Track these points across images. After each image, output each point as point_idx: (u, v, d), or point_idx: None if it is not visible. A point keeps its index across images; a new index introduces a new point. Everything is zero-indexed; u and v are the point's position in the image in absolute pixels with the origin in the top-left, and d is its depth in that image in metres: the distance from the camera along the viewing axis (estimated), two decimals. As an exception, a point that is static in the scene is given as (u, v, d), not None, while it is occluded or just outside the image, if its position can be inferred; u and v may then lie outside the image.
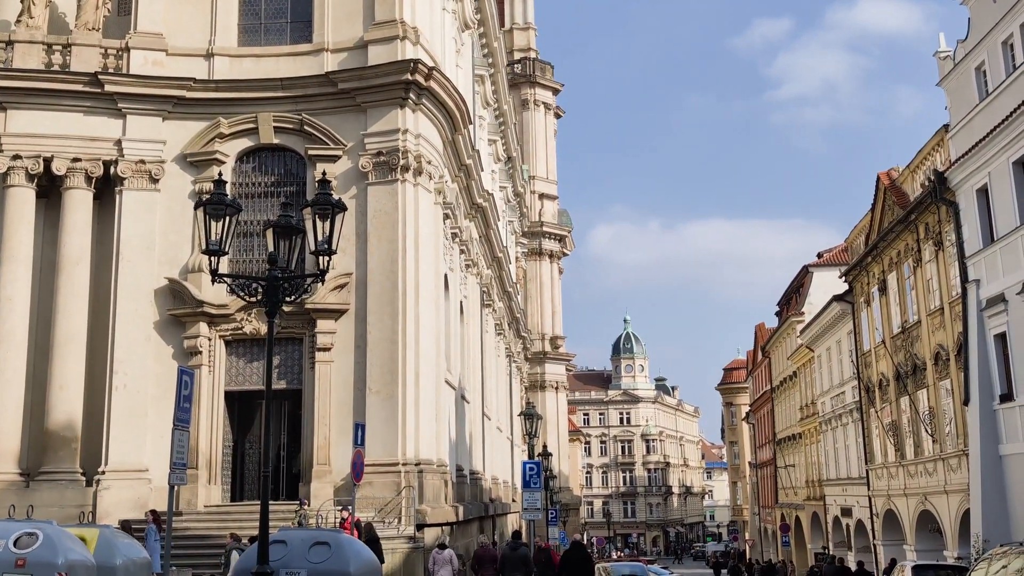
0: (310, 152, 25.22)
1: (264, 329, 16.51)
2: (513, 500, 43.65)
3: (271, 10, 26.80)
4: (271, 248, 12.66)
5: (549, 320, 64.80)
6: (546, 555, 22.12)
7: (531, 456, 33.71)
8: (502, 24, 55.39)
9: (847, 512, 40.45)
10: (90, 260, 24.99)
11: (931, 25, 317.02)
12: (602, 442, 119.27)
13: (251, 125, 25.47)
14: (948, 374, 26.74)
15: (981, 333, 23.71)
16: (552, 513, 40.49)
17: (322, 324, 24.27)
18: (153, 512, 19.87)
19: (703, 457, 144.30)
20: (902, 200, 30.24)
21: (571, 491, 66.67)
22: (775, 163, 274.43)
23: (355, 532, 18.59)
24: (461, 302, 31.61)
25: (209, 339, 24.62)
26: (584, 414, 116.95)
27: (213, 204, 12.63)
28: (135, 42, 25.71)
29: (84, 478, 23.79)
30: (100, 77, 25.05)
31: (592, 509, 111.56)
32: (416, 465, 23.27)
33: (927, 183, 27.06)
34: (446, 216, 27.99)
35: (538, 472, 29.49)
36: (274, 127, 25.42)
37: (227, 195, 12.97)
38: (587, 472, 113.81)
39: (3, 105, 24.89)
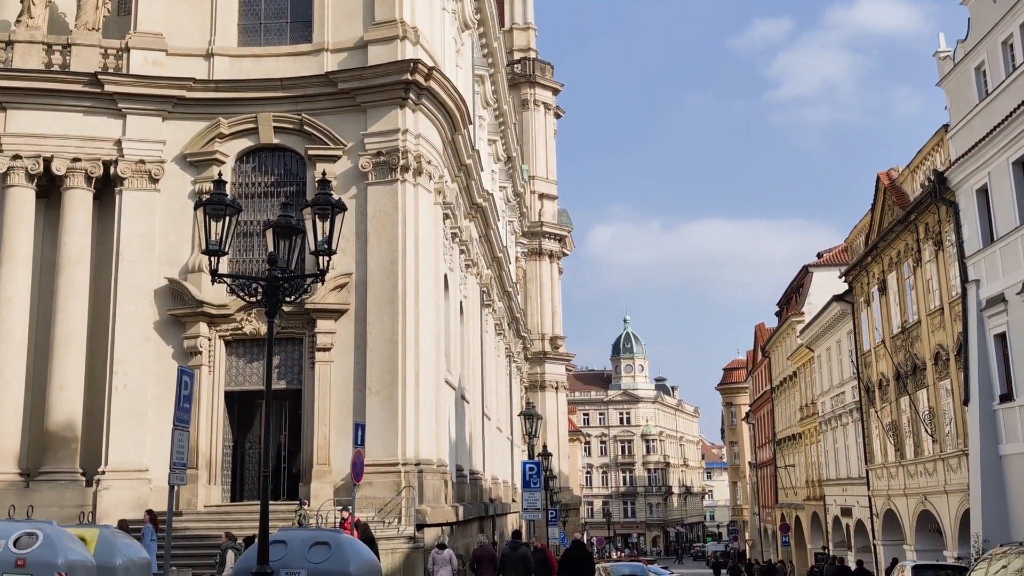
0: (310, 152, 25.22)
1: (264, 329, 16.52)
2: (513, 500, 43.65)
3: (271, 10, 26.79)
4: (271, 248, 12.66)
5: (549, 320, 64.80)
6: (541, 555, 22.09)
7: (531, 456, 33.74)
8: (502, 24, 55.39)
9: (847, 512, 40.46)
10: (90, 260, 24.99)
11: (930, 25, 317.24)
12: (602, 442, 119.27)
13: (251, 125, 25.47)
14: (948, 374, 26.74)
15: (981, 333, 23.71)
16: (552, 513, 40.48)
17: (322, 324, 24.27)
18: (150, 512, 19.88)
19: (703, 457, 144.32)
20: (902, 200, 30.25)
21: (571, 491, 66.66)
22: (775, 163, 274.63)
23: (355, 532, 18.59)
24: (461, 302, 31.61)
25: (209, 339, 24.62)
26: (584, 414, 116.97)
27: (213, 204, 12.63)
28: (135, 42, 25.71)
29: (84, 478, 23.79)
30: (100, 77, 25.05)
31: (592, 509, 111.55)
32: (416, 465, 23.27)
33: (927, 183, 27.06)
34: (446, 216, 27.99)
35: (538, 472, 29.51)
36: (274, 127, 25.42)
37: (227, 195, 12.97)
38: (587, 472, 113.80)
39: (3, 105, 24.89)
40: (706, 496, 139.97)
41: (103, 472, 23.56)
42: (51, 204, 25.34)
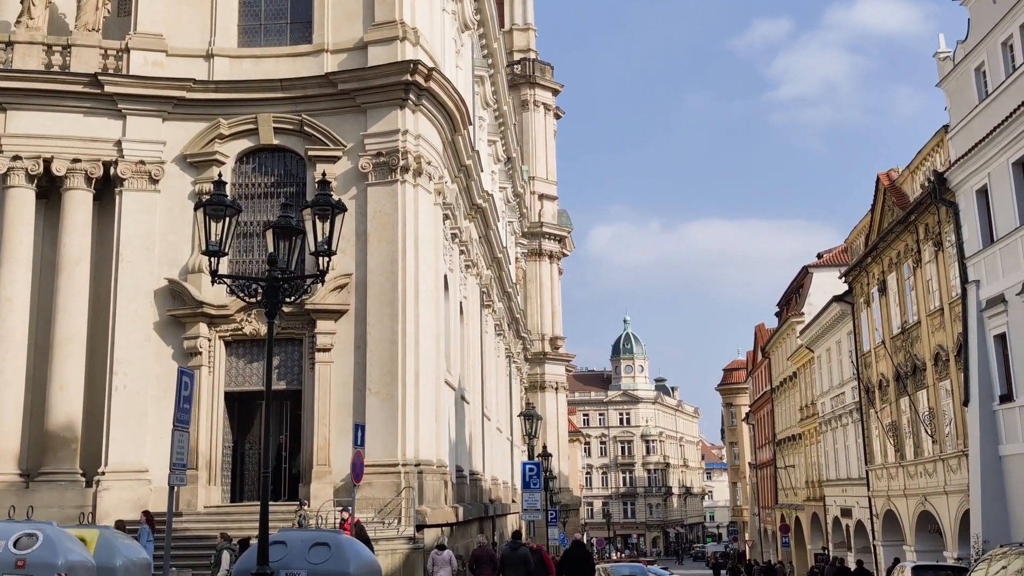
0: (310, 153, 25.23)
1: (264, 330, 16.53)
2: (513, 501, 43.65)
3: (271, 11, 26.80)
4: (271, 249, 12.67)
5: (549, 321, 64.80)
6: (538, 556, 22.08)
7: (531, 457, 33.78)
8: (502, 25, 55.40)
9: (847, 513, 40.46)
10: (90, 261, 24.99)
11: (930, 25, 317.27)
12: (602, 443, 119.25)
13: (251, 126, 25.47)
14: (948, 375, 26.74)
15: (981, 334, 23.71)
16: (552, 514, 40.48)
17: (322, 325, 24.27)
18: (146, 513, 19.88)
19: (703, 458, 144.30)
20: (902, 201, 30.26)
21: (571, 492, 66.65)
22: (775, 163, 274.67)
23: (353, 532, 18.60)
24: (461, 303, 31.61)
25: (209, 340, 24.62)
26: (584, 415, 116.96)
27: (213, 205, 12.64)
28: (135, 43, 25.71)
29: (84, 479, 23.78)
30: (100, 78, 25.05)
31: (592, 510, 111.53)
32: (416, 466, 23.27)
33: (927, 184, 27.07)
34: (446, 217, 27.99)
35: (538, 473, 29.55)
36: (274, 128, 25.43)
37: (227, 196, 12.98)
38: (587, 473, 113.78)
39: (3, 106, 24.88)
40: (706, 497, 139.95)
41: (103, 473, 23.55)
42: (51, 205, 25.34)
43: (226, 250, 12.83)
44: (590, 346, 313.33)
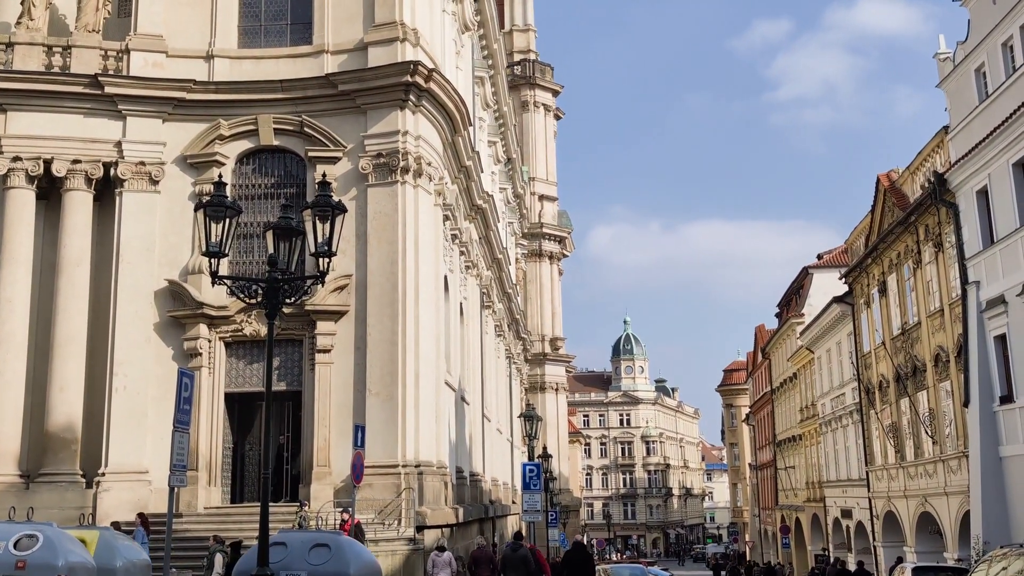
0: (310, 154, 25.23)
1: (264, 331, 16.52)
2: (513, 502, 43.63)
3: (271, 12, 26.80)
4: (271, 250, 12.67)
5: (549, 321, 64.78)
6: (532, 555, 22.07)
7: (531, 458, 33.75)
8: (502, 26, 55.39)
9: (847, 514, 40.45)
10: (90, 262, 24.99)
11: (930, 26, 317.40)
12: (602, 444, 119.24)
13: (251, 127, 25.47)
14: (948, 376, 26.74)
15: (981, 335, 23.71)
16: (552, 515, 40.49)
17: (322, 326, 24.27)
18: (141, 515, 19.94)
19: (703, 459, 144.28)
20: (902, 202, 30.27)
21: (571, 493, 66.62)
22: (775, 164, 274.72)
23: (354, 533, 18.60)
24: (461, 303, 31.61)
25: (209, 341, 24.62)
26: (584, 416, 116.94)
27: (213, 206, 12.64)
28: (135, 44, 25.71)
29: (84, 480, 23.79)
30: (100, 79, 25.06)
31: (592, 511, 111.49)
32: (416, 467, 23.26)
33: (927, 185, 27.07)
34: (446, 218, 27.99)
35: (538, 474, 29.53)
36: (274, 129, 25.43)
37: (227, 197, 12.97)
38: (587, 474, 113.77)
39: (3, 107, 24.89)
40: (706, 498, 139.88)
41: (103, 474, 23.55)
42: (51, 206, 25.35)
43: (226, 251, 12.83)
44: (590, 347, 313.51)
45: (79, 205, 25.04)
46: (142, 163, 25.16)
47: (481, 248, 36.53)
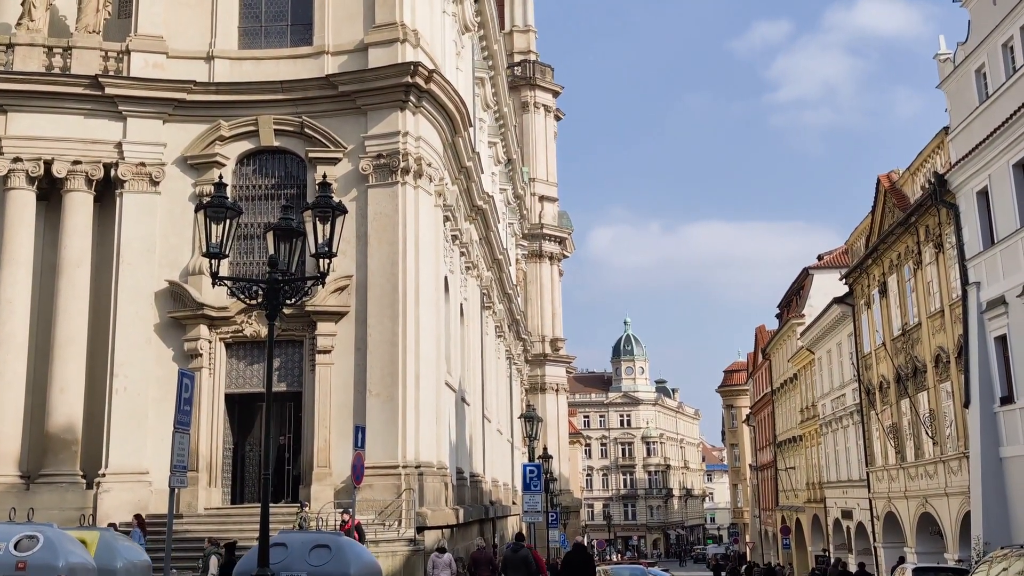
0: (310, 154, 25.23)
1: (264, 331, 16.51)
2: (513, 503, 43.62)
3: (271, 13, 26.82)
4: (271, 251, 12.67)
5: (549, 322, 64.77)
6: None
7: (531, 458, 33.73)
8: (502, 26, 55.39)
9: (848, 514, 40.44)
10: (90, 262, 25.00)
11: (930, 27, 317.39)
12: (602, 444, 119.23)
13: (251, 128, 25.48)
14: (948, 376, 26.73)
15: (981, 335, 23.71)
16: (552, 515, 40.47)
17: (322, 326, 24.28)
18: (138, 516, 19.95)
19: (703, 459, 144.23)
20: (902, 202, 30.27)
21: (571, 494, 66.59)
22: (775, 165, 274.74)
23: (355, 535, 18.60)
24: (461, 304, 31.61)
25: (209, 341, 24.63)
26: (584, 416, 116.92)
27: (214, 207, 12.63)
28: (135, 45, 25.73)
29: (84, 481, 23.80)
30: (101, 80, 25.07)
31: (592, 512, 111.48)
32: (416, 467, 23.26)
33: (927, 185, 27.07)
34: (446, 218, 28.00)
35: (538, 474, 29.52)
36: (274, 129, 25.44)
37: (227, 198, 12.96)
38: (587, 474, 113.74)
39: (4, 108, 24.91)
40: (707, 499, 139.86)
41: (103, 475, 23.56)
42: (52, 207, 25.36)
43: (227, 252, 12.83)
44: (590, 348, 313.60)
45: (79, 206, 25.05)
46: (142, 164, 25.17)
47: (481, 249, 36.53)
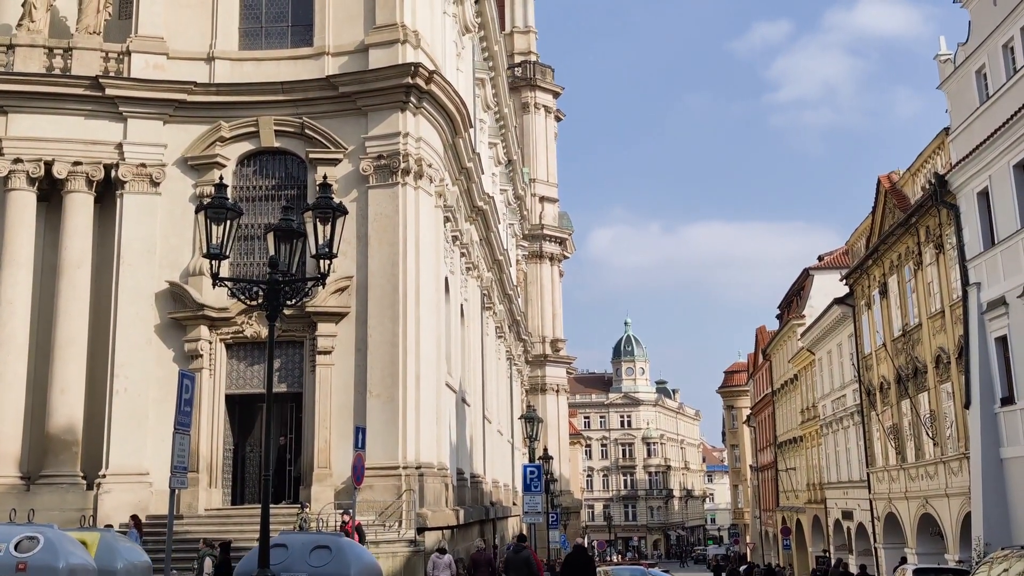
0: (311, 155, 25.24)
1: (265, 332, 16.55)
2: (514, 503, 43.62)
3: (272, 14, 26.82)
4: (272, 252, 12.68)
5: (550, 323, 64.77)
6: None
7: (532, 459, 33.72)
8: (502, 27, 55.38)
9: (848, 515, 40.43)
10: (91, 263, 25.00)
11: (930, 27, 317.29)
12: (603, 445, 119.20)
13: (252, 128, 25.49)
14: (949, 377, 26.73)
15: (982, 336, 23.71)
16: (553, 516, 40.47)
17: (323, 327, 24.28)
18: (135, 517, 19.95)
19: (704, 460, 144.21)
20: (903, 203, 30.27)
21: (572, 494, 66.58)
22: (775, 166, 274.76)
23: (356, 535, 18.60)
24: (462, 305, 31.61)
25: (210, 342, 24.62)
26: (585, 417, 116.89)
27: (214, 208, 12.64)
28: (136, 46, 25.73)
29: (85, 481, 23.79)
30: (101, 81, 25.07)
31: (593, 512, 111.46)
32: (417, 468, 23.26)
33: (928, 186, 27.07)
34: (447, 219, 27.99)
35: (539, 475, 29.50)
36: (275, 130, 25.45)
37: (228, 199, 12.96)
38: (588, 475, 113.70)
39: (4, 109, 24.91)
40: (707, 499, 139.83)
41: (104, 475, 23.56)
42: (52, 208, 25.36)
43: (227, 253, 12.83)
44: (591, 348, 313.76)
45: (80, 207, 25.05)
46: (143, 165, 25.17)
47: (482, 249, 36.53)
